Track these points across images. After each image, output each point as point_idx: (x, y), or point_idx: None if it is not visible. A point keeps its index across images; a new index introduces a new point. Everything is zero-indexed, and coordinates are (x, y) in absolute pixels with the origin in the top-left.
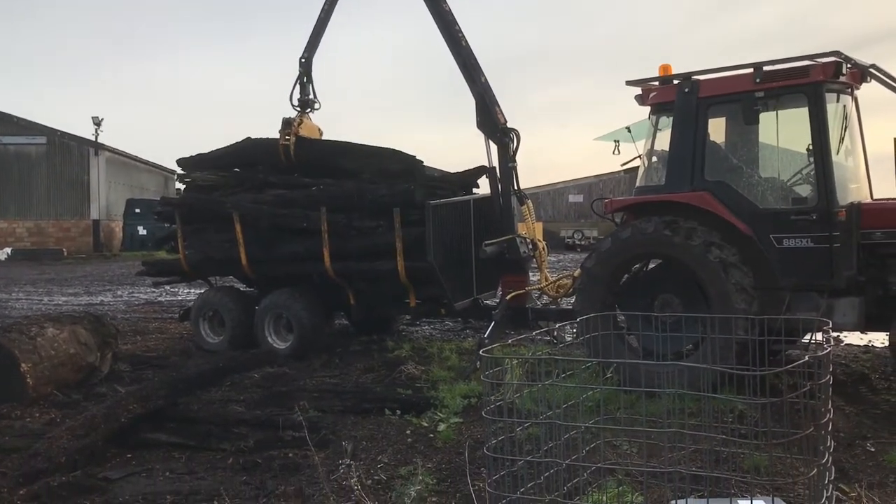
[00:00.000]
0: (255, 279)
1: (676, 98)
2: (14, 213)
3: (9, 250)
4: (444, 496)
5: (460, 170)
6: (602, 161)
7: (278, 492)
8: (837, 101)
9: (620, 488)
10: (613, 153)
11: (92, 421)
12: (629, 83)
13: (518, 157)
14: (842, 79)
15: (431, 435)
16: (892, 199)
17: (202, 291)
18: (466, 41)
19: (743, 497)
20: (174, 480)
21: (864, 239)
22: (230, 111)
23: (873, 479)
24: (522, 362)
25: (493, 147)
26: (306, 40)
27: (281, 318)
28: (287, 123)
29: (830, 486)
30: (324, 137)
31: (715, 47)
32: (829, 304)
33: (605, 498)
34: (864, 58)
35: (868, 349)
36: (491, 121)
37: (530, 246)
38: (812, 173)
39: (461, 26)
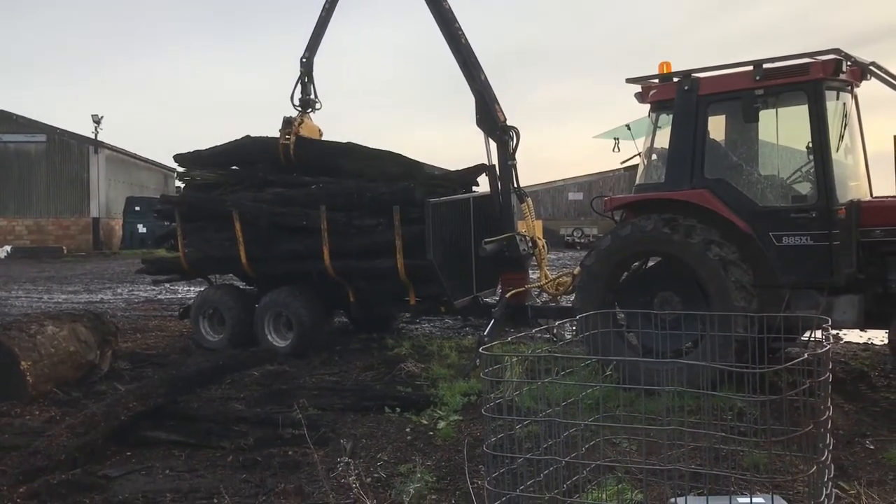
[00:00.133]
0: (254, 277)
1: (676, 96)
2: (14, 211)
3: (8, 248)
4: (443, 494)
5: (460, 168)
6: (602, 159)
7: (278, 489)
8: (837, 98)
9: (620, 486)
10: (613, 151)
11: (92, 419)
12: (629, 81)
13: (518, 155)
14: (842, 76)
15: (431, 433)
16: (892, 196)
17: (202, 289)
18: (466, 39)
19: (742, 494)
20: (174, 478)
21: (863, 237)
22: (230, 110)
23: (872, 476)
24: (522, 360)
25: (493, 145)
26: (307, 40)
27: (281, 316)
28: (288, 123)
29: (830, 483)
30: (324, 138)
31: (715, 45)
32: (828, 301)
33: (604, 495)
34: (864, 55)
35: (867, 347)
36: (490, 119)
37: (530, 244)
38: (812, 171)
39: (461, 24)
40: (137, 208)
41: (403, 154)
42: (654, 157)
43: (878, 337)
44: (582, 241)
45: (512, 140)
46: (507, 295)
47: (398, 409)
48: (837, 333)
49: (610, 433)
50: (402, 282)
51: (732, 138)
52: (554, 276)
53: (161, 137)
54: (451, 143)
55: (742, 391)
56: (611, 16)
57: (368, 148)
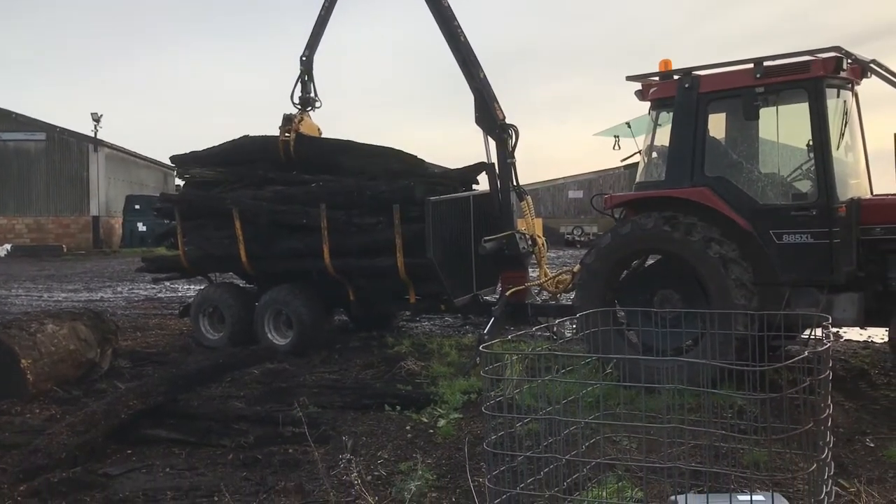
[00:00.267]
0: (254, 275)
1: (677, 93)
2: (13, 209)
3: (8, 247)
4: (443, 492)
5: (459, 166)
6: (602, 157)
7: (278, 487)
8: (838, 96)
9: (620, 484)
10: (613, 149)
11: (92, 417)
12: (629, 78)
13: (517, 153)
14: (842, 74)
15: (431, 431)
16: (892, 194)
17: (202, 288)
18: (465, 37)
19: (742, 492)
20: (174, 476)
21: (863, 234)
22: (229, 109)
23: (873, 474)
24: (522, 358)
25: (492, 143)
26: (306, 39)
27: (281, 314)
28: (288, 120)
29: (830, 481)
30: (322, 136)
31: (715, 43)
32: (828, 299)
33: (604, 493)
34: (864, 53)
35: (867, 345)
36: (490, 117)
37: (530, 242)
38: (812, 169)
39: (460, 22)
40: (137, 206)
41: (404, 150)
42: (654, 154)
43: (879, 335)
44: (582, 239)
45: (511, 138)
46: (507, 293)
47: (398, 407)
48: (838, 331)
49: (610, 431)
50: (402, 280)
51: (733, 136)
52: (554, 275)
53: (160, 136)
54: (451, 142)
55: (742, 389)
56: (611, 14)
57: (369, 145)
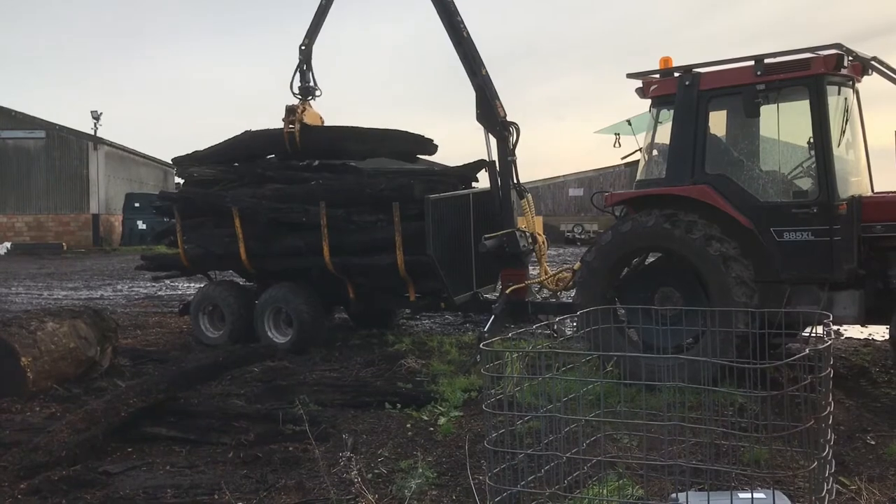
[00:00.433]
0: (254, 273)
1: (677, 91)
2: (13, 207)
3: (8, 245)
4: (444, 490)
5: (460, 163)
6: (602, 154)
7: (279, 485)
8: (838, 93)
9: (621, 481)
10: (614, 146)
11: (92, 415)
12: (630, 76)
13: (518, 151)
14: (843, 71)
15: (432, 428)
16: (893, 192)
17: (202, 286)
18: (468, 33)
19: (743, 490)
20: (175, 474)
21: (864, 232)
22: (230, 107)
23: (873, 472)
24: (522, 356)
25: (493, 140)
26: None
27: (281, 312)
28: (291, 111)
29: (831, 479)
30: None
31: (716, 41)
32: (829, 297)
33: (605, 491)
34: (865, 50)
35: (868, 342)
36: (491, 114)
37: (530, 240)
38: (813, 166)
39: (463, 18)
40: (137, 204)
41: (411, 131)
42: (654, 152)
43: (879, 332)
44: (582, 237)
45: (512, 136)
46: (508, 291)
47: (399, 405)
48: (838, 329)
49: (611, 429)
50: (402, 278)
51: (733, 133)
52: (554, 272)
53: (160, 134)
54: (451, 139)
55: (743, 387)
56: (612, 11)
57: (375, 129)
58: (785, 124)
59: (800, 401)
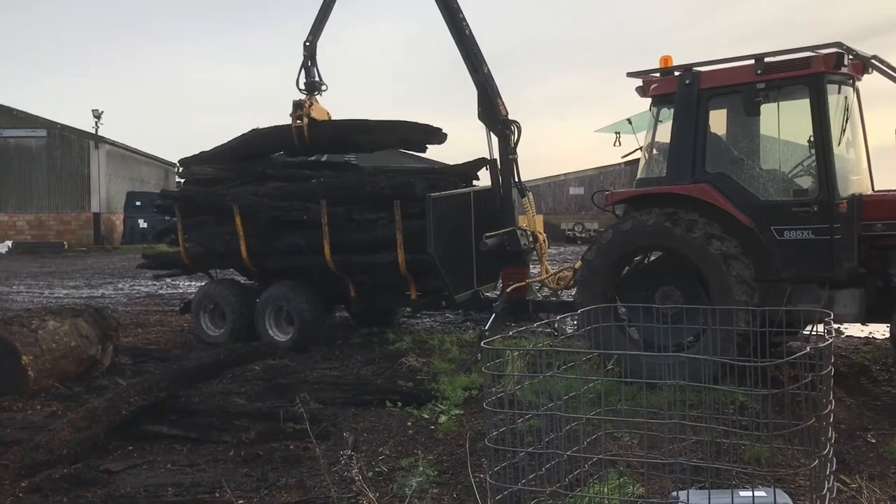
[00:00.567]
0: (255, 272)
1: (677, 89)
2: (14, 206)
3: (9, 243)
4: (445, 488)
5: (461, 162)
6: (603, 153)
7: (279, 484)
8: (839, 92)
9: (621, 480)
10: (614, 145)
11: (93, 413)
12: (630, 75)
13: (519, 149)
14: (843, 70)
15: (432, 427)
16: (894, 190)
17: (203, 284)
18: (470, 30)
19: (744, 488)
20: (175, 473)
21: (865, 230)
22: (231, 105)
23: (874, 470)
24: (523, 354)
25: (494, 139)
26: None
27: (282, 310)
28: (298, 106)
29: (831, 477)
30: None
31: (716, 40)
32: (830, 295)
33: (606, 489)
34: (866, 49)
35: (869, 341)
36: (492, 112)
37: (531, 238)
38: (813, 165)
39: (465, 15)
40: (138, 203)
41: (419, 122)
42: (655, 151)
43: (880, 331)
44: (583, 235)
45: (513, 134)
46: (508, 289)
47: (399, 404)
48: (839, 327)
49: (611, 427)
50: (403, 276)
51: (734, 132)
52: (555, 271)
53: (161, 132)
54: (452, 138)
55: (744, 385)
56: (613, 10)
57: (384, 120)
58: (785, 123)
59: (800, 399)
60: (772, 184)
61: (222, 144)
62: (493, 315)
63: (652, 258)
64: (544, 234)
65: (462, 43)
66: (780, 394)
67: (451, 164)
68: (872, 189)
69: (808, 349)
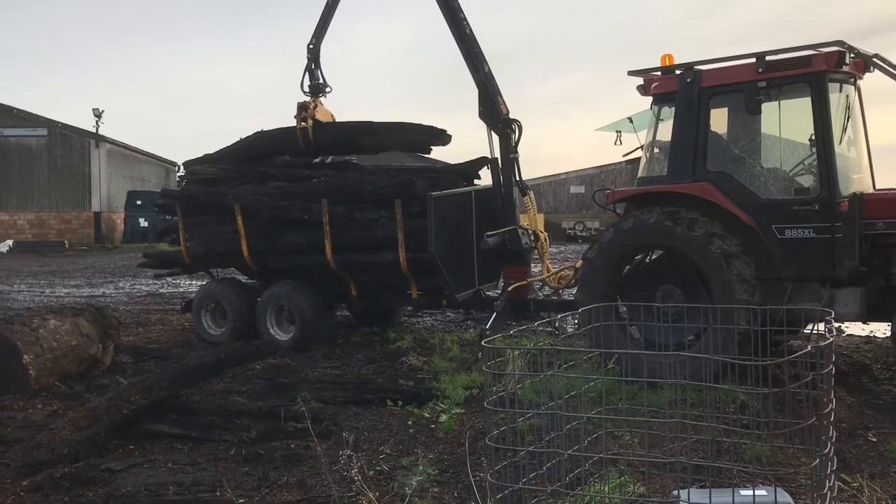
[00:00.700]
0: (256, 271)
1: (678, 88)
2: (15, 205)
3: (10, 242)
4: (445, 487)
5: (462, 161)
6: (604, 152)
7: (280, 482)
8: (840, 90)
9: (622, 479)
10: (615, 144)
11: (94, 412)
12: (631, 73)
13: (520, 148)
14: (845, 68)
15: (433, 426)
16: (895, 189)
17: (204, 283)
18: (471, 29)
19: (745, 487)
20: (176, 471)
21: (866, 229)
22: (232, 105)
23: (875, 469)
24: (524, 353)
25: (495, 138)
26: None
27: (283, 309)
28: (303, 108)
29: (832, 476)
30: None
31: (717, 38)
32: (831, 294)
33: (606, 488)
34: (867, 47)
35: (870, 339)
36: (493, 111)
37: (532, 237)
38: (814, 164)
39: (466, 14)
40: (139, 202)
41: (423, 123)
42: (656, 149)
43: (881, 330)
44: (584, 234)
45: (514, 133)
46: (509, 288)
47: (400, 403)
48: (840, 326)
49: (612, 426)
50: (404, 275)
51: (735, 131)
52: (556, 270)
53: (161, 132)
54: (453, 137)
55: (745, 384)
56: (614, 8)
57: (388, 122)
58: (786, 121)
59: (801, 398)
60: (773, 182)
61: (227, 147)
62: (494, 314)
63: (653, 257)
64: (545, 233)
65: (463, 42)
66: (780, 393)
67: (453, 163)
68: (874, 188)
69: (808, 348)
